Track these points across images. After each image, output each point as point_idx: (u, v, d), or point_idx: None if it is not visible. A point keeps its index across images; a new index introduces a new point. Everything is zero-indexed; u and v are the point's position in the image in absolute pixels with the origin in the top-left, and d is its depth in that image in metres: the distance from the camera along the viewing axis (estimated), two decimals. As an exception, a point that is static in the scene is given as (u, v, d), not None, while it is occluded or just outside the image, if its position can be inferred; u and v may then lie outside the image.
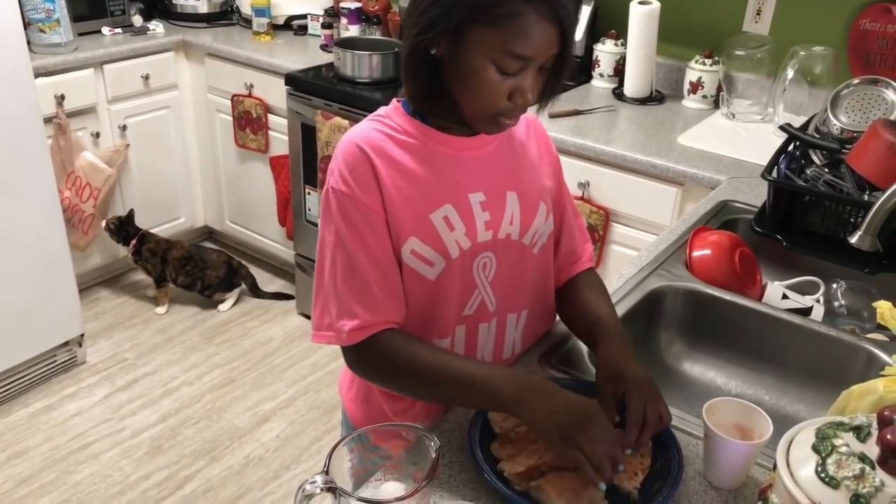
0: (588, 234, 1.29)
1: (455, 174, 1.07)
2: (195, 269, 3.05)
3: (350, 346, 1.05)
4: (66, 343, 2.70)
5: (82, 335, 2.75)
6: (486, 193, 1.08)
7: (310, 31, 3.18)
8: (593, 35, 2.60)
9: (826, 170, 1.57)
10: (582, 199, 2.17)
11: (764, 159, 1.65)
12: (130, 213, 3.01)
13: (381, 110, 1.10)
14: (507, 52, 0.94)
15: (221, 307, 3.13)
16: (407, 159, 1.05)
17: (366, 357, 1.06)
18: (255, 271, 3.29)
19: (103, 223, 2.96)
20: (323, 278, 1.06)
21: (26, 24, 2.59)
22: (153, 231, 3.22)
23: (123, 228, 2.98)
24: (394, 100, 1.10)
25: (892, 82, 1.69)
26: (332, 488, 0.84)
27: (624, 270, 1.48)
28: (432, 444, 0.88)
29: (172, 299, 3.14)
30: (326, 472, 0.85)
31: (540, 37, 0.93)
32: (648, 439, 0.98)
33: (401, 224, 1.04)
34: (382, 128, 1.06)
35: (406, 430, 0.93)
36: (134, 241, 3.00)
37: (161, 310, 3.10)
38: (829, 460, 0.72)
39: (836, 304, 1.51)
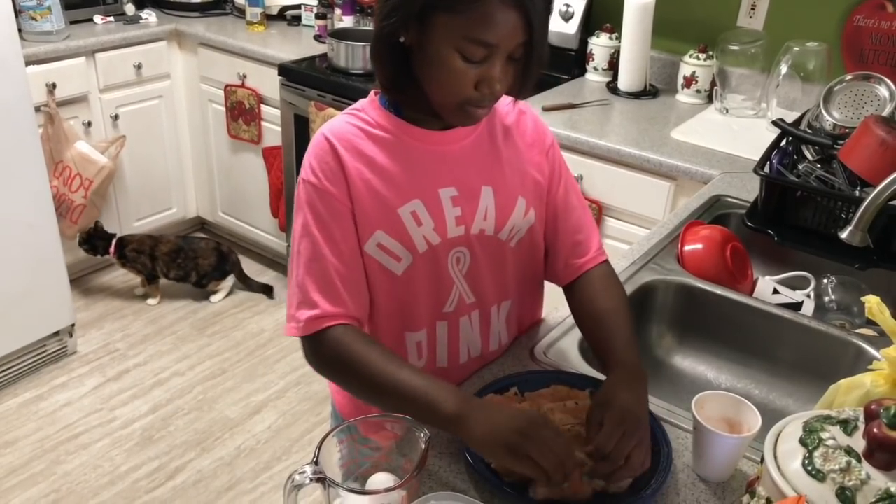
0: (596, 225, 1.24)
1: (427, 169, 1.06)
2: (186, 261, 3.02)
3: (307, 338, 1.03)
4: (57, 333, 2.69)
5: (73, 325, 2.74)
6: (459, 188, 1.07)
7: (303, 21, 3.17)
8: (588, 28, 2.59)
9: (818, 165, 1.57)
10: (575, 192, 2.17)
11: (756, 154, 1.65)
12: (97, 226, 2.95)
13: (358, 103, 1.10)
14: (469, 38, 0.92)
15: (213, 298, 3.12)
16: (377, 153, 1.04)
17: (320, 351, 1.04)
18: (248, 262, 3.28)
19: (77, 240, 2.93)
20: (292, 271, 1.06)
21: (17, 12, 2.58)
22: (143, 221, 3.22)
23: (93, 242, 2.94)
24: (371, 92, 1.10)
25: (885, 79, 1.69)
26: (321, 479, 0.84)
27: (616, 264, 1.48)
28: (422, 435, 0.89)
29: (163, 290, 3.13)
30: (316, 463, 0.85)
31: (503, 24, 0.92)
32: (609, 470, 0.91)
33: (367, 217, 1.04)
34: (355, 121, 1.06)
35: (396, 421, 0.93)
36: (112, 248, 2.96)
37: (153, 301, 3.09)
38: (816, 453, 0.72)
39: (827, 299, 1.52)
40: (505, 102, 1.12)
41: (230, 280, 3.15)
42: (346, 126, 1.06)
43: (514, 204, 1.11)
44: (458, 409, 0.93)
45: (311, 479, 0.84)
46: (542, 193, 1.17)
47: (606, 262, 1.21)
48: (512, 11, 0.92)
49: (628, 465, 0.91)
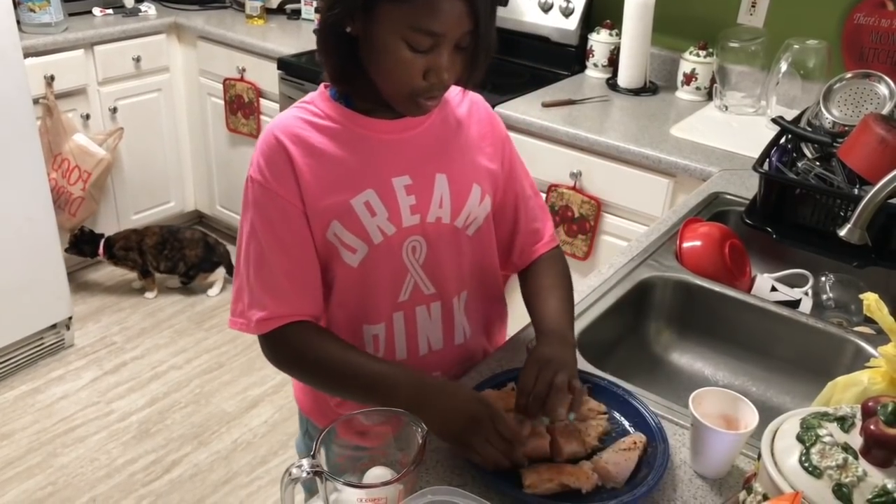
0: (549, 212, 1.27)
1: (378, 158, 1.06)
2: (173, 251, 3.00)
3: (262, 336, 1.07)
4: (54, 325, 2.69)
5: (70, 318, 2.74)
6: (413, 177, 1.07)
7: (303, 15, 3.16)
8: (588, 24, 2.59)
9: (817, 163, 1.57)
10: (574, 188, 2.17)
11: (756, 152, 1.65)
12: (83, 230, 2.94)
13: (308, 96, 1.09)
14: (415, 27, 0.92)
15: (210, 292, 3.11)
16: (327, 145, 1.04)
17: (276, 348, 1.07)
18: (246, 257, 3.27)
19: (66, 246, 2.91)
20: (240, 267, 1.07)
21: (16, 3, 2.57)
22: (141, 215, 3.21)
23: (80, 246, 2.93)
24: (321, 84, 1.09)
25: (885, 77, 1.70)
26: (318, 473, 0.84)
27: (614, 260, 1.49)
28: (419, 429, 0.89)
29: (161, 284, 3.13)
30: (313, 457, 0.85)
31: (448, 12, 0.91)
32: (539, 408, 0.97)
33: (322, 210, 1.03)
34: (304, 114, 1.06)
35: (392, 414, 0.93)
36: (101, 249, 2.95)
37: (151, 294, 3.09)
38: (813, 450, 0.72)
39: (825, 296, 1.52)
40: (456, 93, 1.13)
41: (220, 271, 3.13)
42: (294, 120, 1.05)
43: (468, 191, 1.10)
44: (412, 395, 0.97)
45: (308, 473, 0.84)
46: (497, 182, 1.16)
47: (557, 247, 1.24)
48: (456, 0, 0.92)
49: (554, 390, 0.97)
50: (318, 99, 1.07)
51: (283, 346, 1.07)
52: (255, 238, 1.04)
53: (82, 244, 2.94)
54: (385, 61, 0.96)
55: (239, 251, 1.08)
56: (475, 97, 1.16)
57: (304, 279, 1.06)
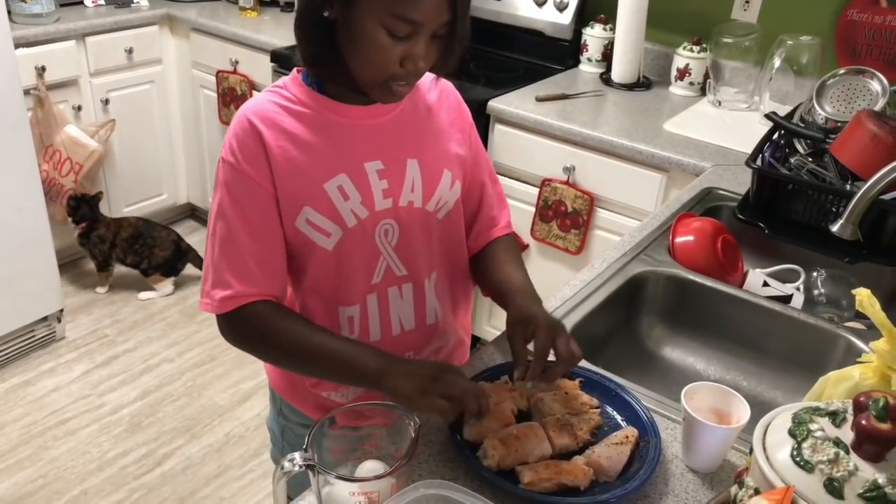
0: (505, 200, 1.29)
1: (350, 143, 1.07)
2: (143, 248, 2.96)
3: (223, 315, 1.08)
4: (45, 318, 2.68)
5: (62, 310, 2.73)
6: (385, 161, 1.08)
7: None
8: (582, 19, 2.59)
9: (810, 159, 1.58)
10: (567, 183, 2.17)
11: (749, 147, 1.65)
12: (97, 196, 2.90)
13: (280, 80, 1.10)
14: (395, 15, 0.93)
15: (145, 295, 3.06)
16: (300, 129, 1.05)
17: (237, 327, 1.09)
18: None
19: (67, 196, 2.84)
20: (208, 247, 1.09)
21: (7, -7, 2.55)
22: (133, 207, 3.21)
23: (79, 204, 2.86)
24: (294, 69, 1.10)
25: (878, 73, 1.70)
26: (311, 466, 0.84)
27: (607, 255, 1.49)
28: (412, 423, 0.89)
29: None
30: (306, 450, 0.85)
31: (428, 2, 0.93)
32: (561, 373, 1.01)
33: (294, 194, 1.04)
34: (277, 98, 1.07)
35: (387, 409, 0.93)
36: (84, 224, 2.90)
37: (102, 289, 3.04)
38: (805, 444, 0.73)
39: (816, 292, 1.53)
40: (427, 80, 1.14)
41: (170, 285, 3.06)
42: (267, 104, 1.06)
43: (439, 176, 1.12)
44: (380, 366, 1.00)
45: (300, 467, 0.84)
46: (465, 168, 1.18)
47: (510, 234, 1.26)
48: None
49: (572, 358, 1.00)
50: (290, 84, 1.08)
51: (246, 326, 1.08)
52: (223, 218, 1.05)
53: (83, 205, 2.87)
54: (362, 47, 0.97)
55: (207, 234, 1.09)
56: (445, 84, 1.18)
57: (269, 260, 1.07)
